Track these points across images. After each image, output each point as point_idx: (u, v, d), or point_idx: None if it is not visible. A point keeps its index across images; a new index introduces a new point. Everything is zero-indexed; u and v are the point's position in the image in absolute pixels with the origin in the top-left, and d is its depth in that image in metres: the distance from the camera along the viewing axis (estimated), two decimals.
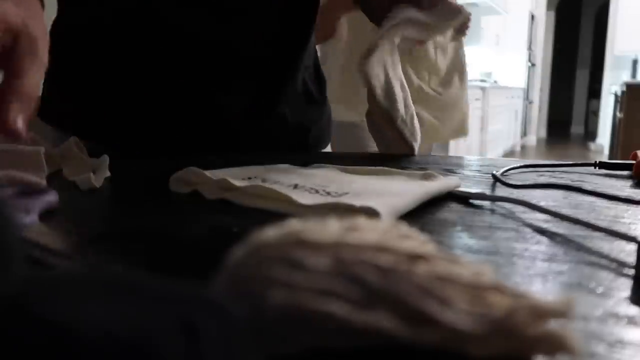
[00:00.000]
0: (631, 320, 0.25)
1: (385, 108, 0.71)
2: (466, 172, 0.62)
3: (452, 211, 0.45)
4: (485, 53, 6.86)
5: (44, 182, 0.48)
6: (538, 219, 0.42)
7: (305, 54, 0.80)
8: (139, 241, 0.37)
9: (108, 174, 0.55)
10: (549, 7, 8.79)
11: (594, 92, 9.73)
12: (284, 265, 0.20)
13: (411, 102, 0.75)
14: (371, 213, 0.39)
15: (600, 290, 0.28)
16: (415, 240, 0.23)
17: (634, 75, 6.86)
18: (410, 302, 0.19)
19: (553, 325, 0.20)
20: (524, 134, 8.23)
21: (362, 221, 0.23)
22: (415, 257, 0.21)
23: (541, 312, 0.20)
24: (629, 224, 0.41)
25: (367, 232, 0.22)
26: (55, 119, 0.75)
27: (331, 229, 0.22)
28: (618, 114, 5.44)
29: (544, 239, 0.37)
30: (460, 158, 0.74)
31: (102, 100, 0.73)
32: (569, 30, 10.66)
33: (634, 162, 0.60)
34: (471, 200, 0.48)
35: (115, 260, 0.33)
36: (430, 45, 1.48)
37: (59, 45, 0.63)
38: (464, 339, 0.19)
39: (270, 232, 0.21)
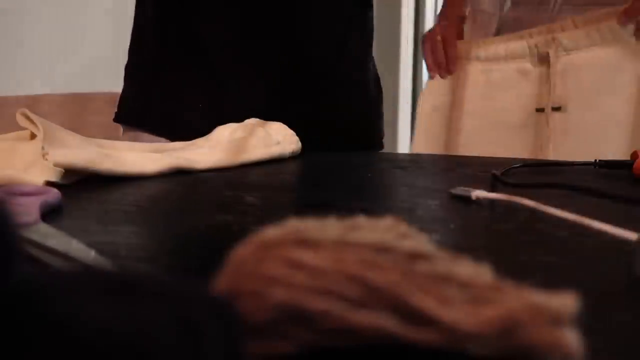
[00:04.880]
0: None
1: None
2: (466, 171, 0.62)
3: (452, 211, 0.45)
4: None
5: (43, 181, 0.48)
6: (538, 218, 0.42)
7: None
8: (139, 241, 0.37)
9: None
10: None
11: None
12: (284, 264, 0.20)
13: None
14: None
15: (599, 289, 0.28)
16: (415, 239, 0.23)
17: None
18: (410, 301, 0.19)
19: (553, 325, 0.20)
20: None
21: (362, 220, 0.23)
22: (415, 257, 0.21)
23: (541, 312, 0.20)
24: (629, 223, 0.41)
25: (368, 231, 0.22)
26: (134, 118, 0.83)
27: (331, 228, 0.22)
28: None
29: (544, 238, 0.37)
30: (460, 157, 0.74)
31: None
32: None
33: (633, 161, 0.60)
34: (471, 200, 0.48)
35: (116, 260, 0.33)
36: None
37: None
38: (464, 339, 0.19)
39: (271, 231, 0.21)
